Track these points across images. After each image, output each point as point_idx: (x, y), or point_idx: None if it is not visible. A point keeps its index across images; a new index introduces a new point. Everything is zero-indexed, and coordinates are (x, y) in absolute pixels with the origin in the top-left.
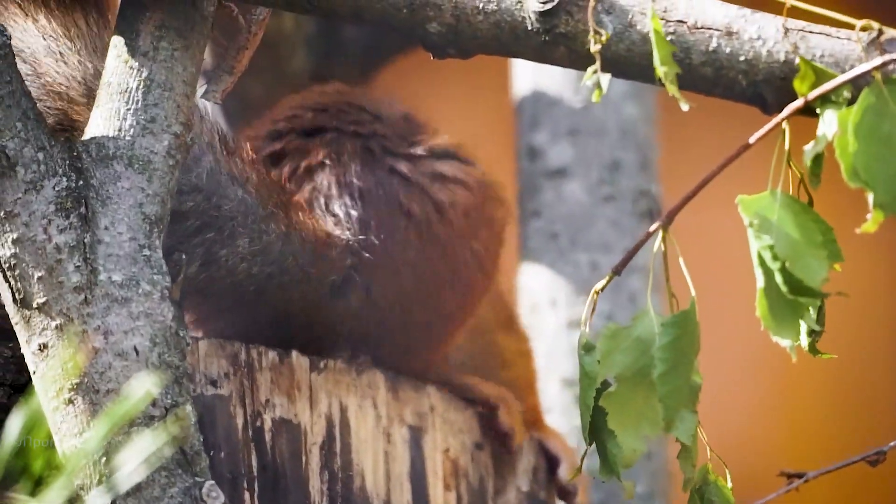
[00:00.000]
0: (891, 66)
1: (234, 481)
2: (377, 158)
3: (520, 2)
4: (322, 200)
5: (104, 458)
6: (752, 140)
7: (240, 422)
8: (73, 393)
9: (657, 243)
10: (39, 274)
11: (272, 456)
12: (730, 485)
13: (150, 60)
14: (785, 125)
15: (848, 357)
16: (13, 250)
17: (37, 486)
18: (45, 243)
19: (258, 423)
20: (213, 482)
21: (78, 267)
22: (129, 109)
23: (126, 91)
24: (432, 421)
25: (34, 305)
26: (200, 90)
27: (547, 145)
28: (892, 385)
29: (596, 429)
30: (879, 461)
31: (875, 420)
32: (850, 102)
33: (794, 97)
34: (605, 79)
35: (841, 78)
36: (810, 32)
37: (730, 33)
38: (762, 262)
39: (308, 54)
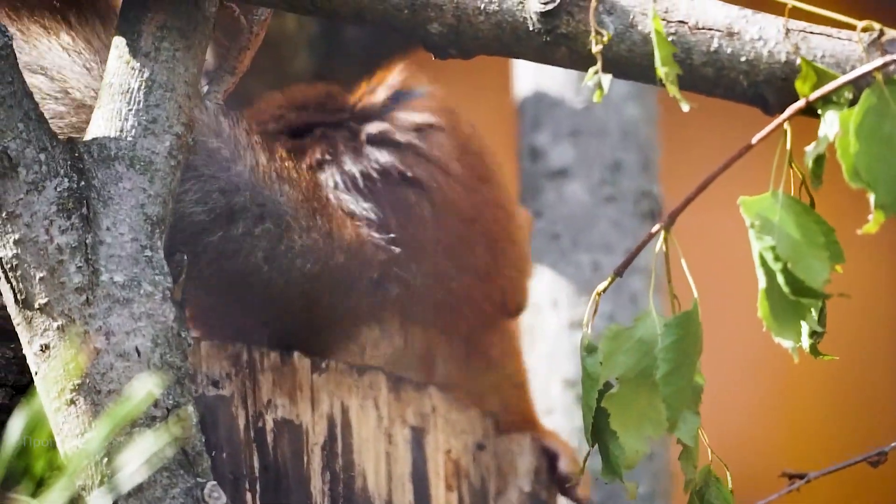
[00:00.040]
0: (892, 67)
1: (235, 482)
2: (360, 142)
3: (521, 2)
4: (333, 200)
5: (106, 459)
6: (753, 141)
7: (241, 422)
8: (74, 394)
9: (659, 244)
10: (41, 275)
11: (274, 456)
12: (730, 486)
13: (152, 61)
14: (786, 126)
15: (849, 358)
16: (15, 251)
17: (38, 486)
18: (46, 244)
19: (260, 424)
20: (214, 483)
21: (80, 268)
22: (130, 110)
23: (128, 92)
24: (434, 421)
25: (36, 306)
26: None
27: (548, 146)
28: (893, 385)
29: (598, 430)
30: (881, 462)
31: (876, 420)
32: (852, 103)
33: (795, 98)
34: (607, 79)
35: (842, 79)
36: (811, 33)
37: (731, 34)
38: (764, 263)
39: (310, 55)
